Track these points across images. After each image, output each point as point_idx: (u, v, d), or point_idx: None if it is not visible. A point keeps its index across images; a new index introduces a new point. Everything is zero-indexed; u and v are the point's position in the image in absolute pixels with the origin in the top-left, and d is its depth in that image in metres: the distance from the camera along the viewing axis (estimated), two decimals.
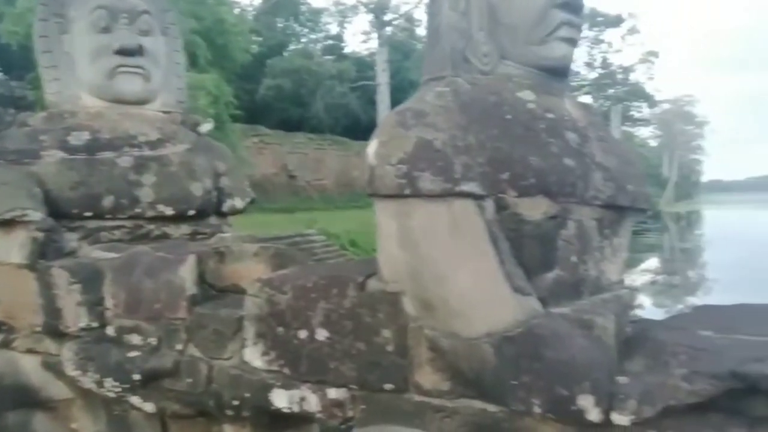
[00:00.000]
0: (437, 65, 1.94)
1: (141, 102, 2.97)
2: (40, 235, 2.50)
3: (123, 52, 2.84)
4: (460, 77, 1.87)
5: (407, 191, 1.64)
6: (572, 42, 1.91)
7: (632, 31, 41.80)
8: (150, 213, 2.79)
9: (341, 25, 32.57)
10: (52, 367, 2.56)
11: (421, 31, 31.60)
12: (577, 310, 1.62)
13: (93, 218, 2.72)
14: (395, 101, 21.11)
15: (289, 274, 2.05)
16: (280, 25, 30.30)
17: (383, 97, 19.94)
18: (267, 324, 1.97)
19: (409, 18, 29.64)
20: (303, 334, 1.89)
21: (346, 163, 29.12)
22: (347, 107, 29.22)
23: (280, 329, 1.94)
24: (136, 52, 2.87)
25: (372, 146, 1.75)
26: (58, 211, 2.64)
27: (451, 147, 1.66)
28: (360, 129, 29.05)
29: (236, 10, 20.70)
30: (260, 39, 26.14)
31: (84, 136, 2.76)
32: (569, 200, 1.73)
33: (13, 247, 2.56)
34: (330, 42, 32.76)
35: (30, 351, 2.61)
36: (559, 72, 1.95)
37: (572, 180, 1.73)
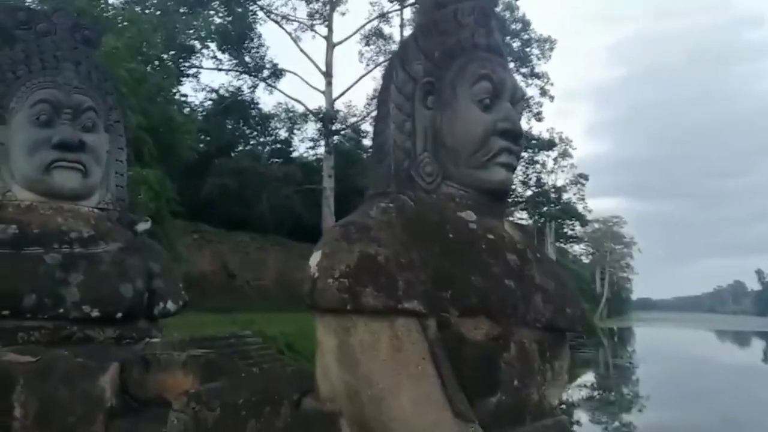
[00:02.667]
0: (382, 181, 1.98)
1: (77, 198, 2.87)
2: None
3: (62, 146, 2.77)
4: (404, 194, 1.91)
5: (349, 306, 1.61)
6: (511, 168, 1.99)
7: (564, 154, 44.72)
8: (74, 314, 2.62)
9: (290, 130, 33.38)
10: None
11: (367, 141, 32.80)
12: None
13: (11, 317, 2.52)
14: (339, 206, 21.39)
15: (218, 388, 1.94)
16: (229, 126, 30.82)
17: (328, 202, 20.24)
18: None
19: (355, 129, 30.75)
20: None
21: (287, 264, 28.74)
22: (292, 209, 29.34)
23: None
24: (76, 147, 2.80)
25: (314, 258, 1.73)
26: None
27: (395, 263, 1.65)
28: (303, 231, 29.02)
29: (186, 110, 21.01)
30: (209, 139, 26.42)
31: (11, 230, 2.63)
32: (510, 321, 1.73)
33: None
34: (278, 146, 33.39)
35: None
36: (499, 195, 2.02)
37: (513, 301, 1.74)
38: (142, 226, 3.06)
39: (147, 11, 18.94)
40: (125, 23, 16.16)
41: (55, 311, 2.59)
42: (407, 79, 1.99)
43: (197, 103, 29.12)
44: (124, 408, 2.13)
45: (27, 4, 15.24)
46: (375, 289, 1.60)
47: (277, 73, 26.57)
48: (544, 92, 32.95)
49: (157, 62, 17.54)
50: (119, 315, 2.73)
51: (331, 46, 22.84)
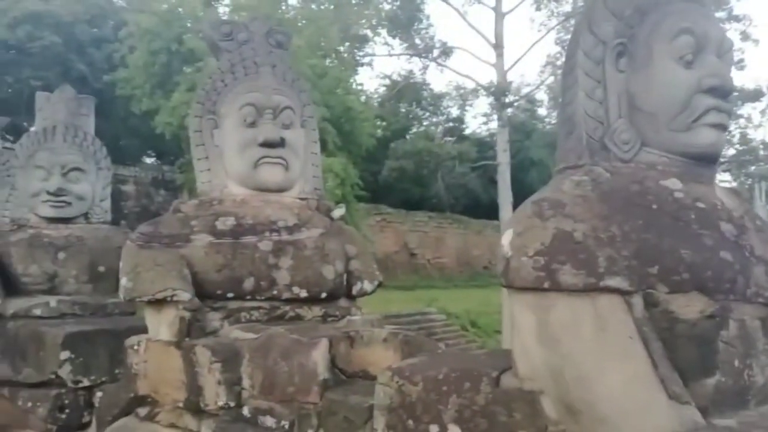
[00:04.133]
0: (573, 153, 1.90)
1: (281, 190, 3.16)
2: (187, 314, 2.68)
3: (267, 144, 3.06)
4: (599, 165, 1.82)
5: (546, 284, 1.58)
6: (722, 128, 1.80)
7: None
8: (286, 295, 2.91)
9: (462, 108, 33.36)
10: None
11: (542, 111, 31.63)
12: (745, 423, 1.44)
13: (234, 299, 2.87)
14: (516, 180, 20.91)
15: (419, 364, 2.02)
16: (403, 110, 31.60)
17: (504, 177, 19.82)
18: (397, 415, 1.93)
19: (530, 99, 29.79)
20: (434, 429, 1.83)
21: (466, 241, 29.01)
22: (467, 187, 29.45)
23: (411, 422, 1.89)
24: (278, 144, 3.08)
25: (507, 236, 1.72)
26: (203, 292, 2.82)
27: (593, 239, 1.59)
28: (480, 208, 29.00)
29: (363, 98, 21.91)
30: (384, 124, 27.34)
31: (230, 222, 2.97)
32: (729, 298, 1.58)
33: (162, 325, 2.75)
34: (451, 124, 33.57)
35: (172, 426, 2.73)
36: (708, 159, 1.84)
37: (731, 275, 1.59)
38: (338, 212, 3.28)
39: (322, 7, 20.00)
40: (304, 21, 17.26)
41: (270, 293, 2.90)
42: (596, 43, 1.88)
43: (372, 90, 30.26)
44: (335, 381, 2.32)
45: (221, 15, 16.91)
46: (574, 266, 1.56)
47: (446, 51, 26.57)
48: (745, 36, 29.09)
49: (334, 55, 18.50)
50: (323, 295, 2.98)
51: (500, 16, 22.22)
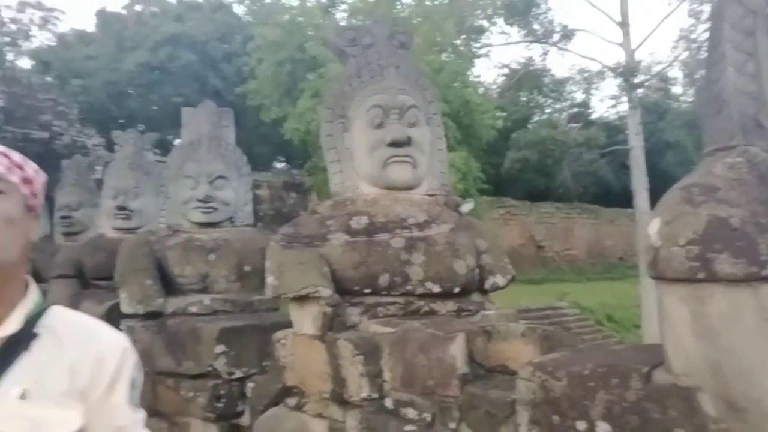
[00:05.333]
0: (724, 134, 1.78)
1: (410, 187, 3.22)
2: (329, 309, 2.81)
3: (394, 143, 3.13)
4: (755, 145, 1.69)
5: (701, 275, 1.50)
6: None
7: None
8: (419, 290, 2.96)
9: (587, 92, 31.80)
10: None
11: (677, 89, 29.47)
12: None
13: (371, 294, 2.97)
14: (650, 165, 19.64)
15: (561, 359, 1.98)
16: (523, 98, 30.76)
17: (637, 162, 18.65)
18: (542, 411, 1.91)
19: (662, 78, 27.83)
20: (581, 425, 1.79)
21: (597, 232, 27.71)
22: (596, 174, 28.09)
23: (556, 418, 1.87)
24: (405, 143, 3.14)
25: (654, 225, 1.65)
26: (342, 288, 2.94)
27: (753, 225, 1.48)
28: (612, 196, 27.56)
29: (481, 90, 21.61)
30: (505, 114, 26.79)
31: (363, 221, 3.07)
32: None
33: (306, 320, 2.91)
34: (576, 110, 32.19)
35: (319, 416, 2.89)
36: None
37: None
38: (466, 207, 3.29)
39: (436, 2, 19.96)
40: (419, 19, 17.33)
41: (404, 288, 2.96)
42: (745, 13, 1.75)
43: (490, 81, 29.76)
44: (474, 375, 2.33)
45: (339, 20, 17.44)
46: (732, 255, 1.46)
47: (567, 34, 25.49)
48: None
49: (450, 49, 18.42)
50: (456, 290, 3.00)
51: None
